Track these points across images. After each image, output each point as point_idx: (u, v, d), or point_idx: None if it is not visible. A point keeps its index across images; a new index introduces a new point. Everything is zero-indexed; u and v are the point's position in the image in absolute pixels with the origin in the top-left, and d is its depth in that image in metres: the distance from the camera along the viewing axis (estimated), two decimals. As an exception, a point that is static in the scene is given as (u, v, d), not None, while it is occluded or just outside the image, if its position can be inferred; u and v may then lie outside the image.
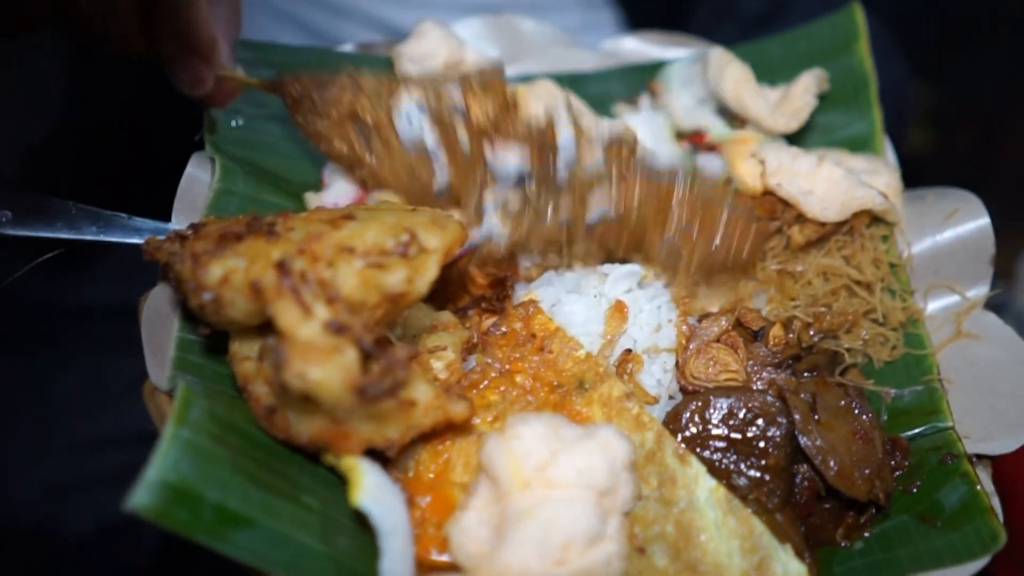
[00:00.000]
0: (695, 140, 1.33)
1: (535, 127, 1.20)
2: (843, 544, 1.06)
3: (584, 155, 1.18)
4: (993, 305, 2.38)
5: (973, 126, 3.26)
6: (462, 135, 1.20)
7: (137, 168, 1.60)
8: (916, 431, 1.14)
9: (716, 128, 1.35)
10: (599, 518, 0.93)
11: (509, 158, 1.18)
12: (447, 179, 1.21)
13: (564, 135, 1.17)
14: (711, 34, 1.57)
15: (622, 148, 1.22)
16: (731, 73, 1.32)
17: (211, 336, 1.03)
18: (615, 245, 1.19)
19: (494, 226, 1.18)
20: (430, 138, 1.20)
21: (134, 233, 1.13)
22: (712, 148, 1.30)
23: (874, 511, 1.08)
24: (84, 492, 1.59)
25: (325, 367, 0.86)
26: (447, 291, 1.23)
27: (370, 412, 0.93)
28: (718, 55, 1.36)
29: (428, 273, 0.96)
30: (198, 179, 1.19)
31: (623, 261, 1.20)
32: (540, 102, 1.34)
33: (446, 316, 1.16)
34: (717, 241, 1.16)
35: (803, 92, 1.33)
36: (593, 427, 0.97)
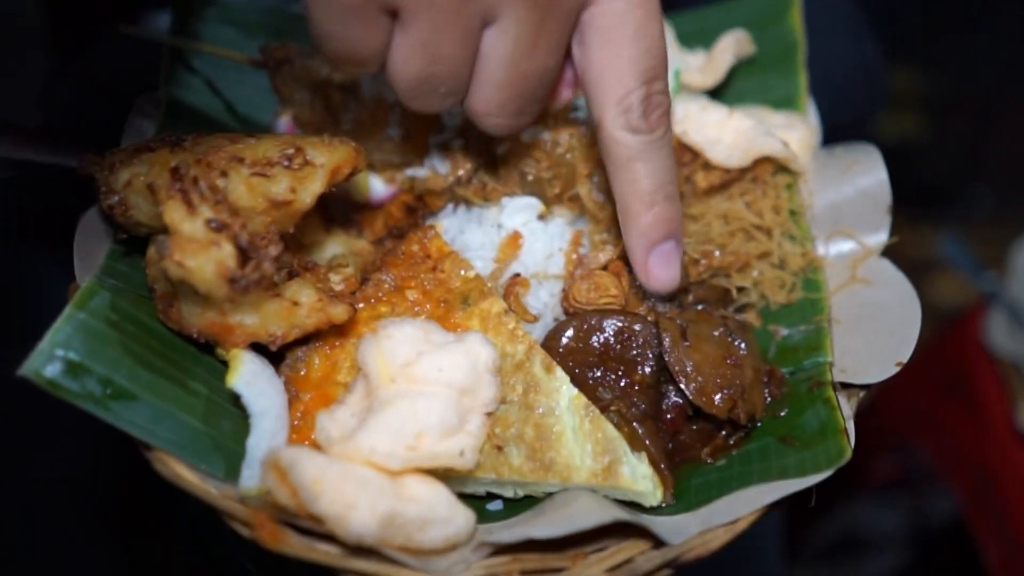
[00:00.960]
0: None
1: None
2: (708, 461, 1.12)
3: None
4: (986, 294, 2.39)
5: (969, 113, 3.26)
6: None
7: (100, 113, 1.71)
8: (799, 366, 1.19)
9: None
10: (457, 414, 1.01)
11: None
12: (400, 131, 1.31)
13: None
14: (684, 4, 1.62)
15: None
16: None
17: (127, 241, 1.13)
18: (548, 186, 1.25)
19: (436, 162, 1.27)
20: (389, 92, 1.31)
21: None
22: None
23: (743, 434, 1.14)
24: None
25: (200, 257, 0.96)
26: (370, 225, 1.33)
27: (254, 307, 1.03)
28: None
29: (313, 185, 1.05)
30: (149, 114, 1.31)
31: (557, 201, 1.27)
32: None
33: (361, 244, 1.26)
34: None
35: (722, 51, 1.39)
36: (463, 334, 1.06)
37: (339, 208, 1.32)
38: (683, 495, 1.08)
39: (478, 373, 1.03)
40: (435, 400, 1.00)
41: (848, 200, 1.28)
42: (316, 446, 1.02)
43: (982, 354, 2.44)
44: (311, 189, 1.05)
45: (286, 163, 1.04)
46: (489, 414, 1.05)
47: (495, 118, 1.00)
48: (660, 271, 1.08)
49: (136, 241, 1.15)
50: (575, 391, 1.06)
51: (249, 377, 1.02)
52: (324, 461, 0.94)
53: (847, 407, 1.10)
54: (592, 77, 0.98)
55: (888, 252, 1.26)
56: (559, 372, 1.07)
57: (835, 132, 1.45)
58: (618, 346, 1.12)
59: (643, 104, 0.97)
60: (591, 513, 0.97)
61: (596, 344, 1.12)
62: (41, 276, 1.65)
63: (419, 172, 1.27)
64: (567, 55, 1.01)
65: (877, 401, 2.72)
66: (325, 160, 1.07)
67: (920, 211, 3.72)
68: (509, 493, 1.07)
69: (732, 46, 1.39)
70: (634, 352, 1.11)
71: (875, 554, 3.21)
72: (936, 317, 3.35)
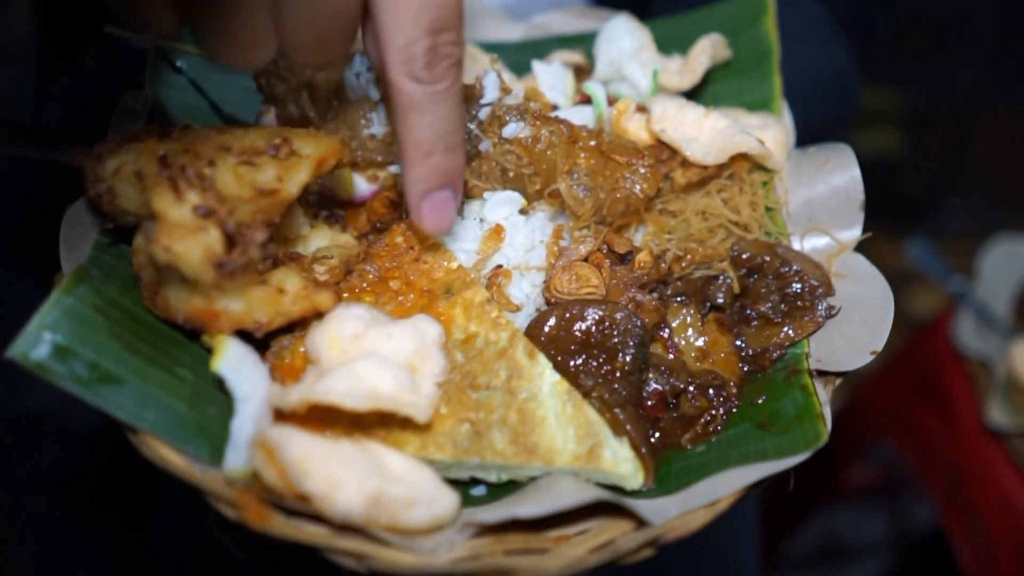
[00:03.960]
0: (583, 99, 1.43)
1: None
2: (688, 448, 1.14)
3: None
4: (954, 296, 2.45)
5: (943, 129, 3.34)
6: None
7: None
8: (777, 356, 1.21)
9: (637, 78, 1.43)
10: (409, 378, 1.03)
11: None
12: (383, 129, 1.34)
13: (489, 77, 1.28)
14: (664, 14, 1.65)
15: (538, 94, 1.35)
16: (620, 45, 1.43)
17: (113, 232, 1.15)
18: (528, 182, 1.27)
19: None
20: (373, 91, 1.33)
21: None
22: (586, 100, 1.40)
23: (720, 424, 1.16)
24: None
25: (187, 242, 0.97)
26: (354, 222, 1.34)
27: (240, 294, 1.05)
28: (613, 26, 1.46)
29: (299, 175, 1.07)
30: (133, 112, 1.32)
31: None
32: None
33: (345, 238, 1.27)
34: (623, 184, 1.25)
35: (699, 54, 1.43)
36: (411, 317, 1.09)
37: (325, 205, 1.34)
38: (664, 479, 1.09)
39: (426, 345, 1.06)
40: (387, 363, 1.02)
41: (822, 197, 1.31)
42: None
43: (952, 355, 2.50)
44: (297, 179, 1.07)
45: (273, 152, 1.06)
46: (439, 385, 1.07)
47: (297, 56, 0.97)
48: (432, 218, 1.09)
49: (122, 233, 1.16)
50: (557, 377, 1.08)
51: (234, 362, 1.03)
52: (311, 441, 0.95)
53: (823, 393, 1.13)
54: (379, 21, 0.96)
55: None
56: (541, 358, 1.09)
57: (809, 139, 1.48)
58: (599, 334, 1.14)
59: (427, 55, 0.96)
60: (574, 493, 0.98)
61: (577, 332, 1.14)
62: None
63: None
64: None
65: (853, 409, 2.77)
66: (311, 151, 1.09)
67: (897, 224, 3.80)
68: (492, 478, 1.09)
69: (708, 49, 1.43)
70: (615, 340, 1.13)
71: (857, 561, 3.24)
72: (913, 326, 3.45)
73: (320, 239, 1.26)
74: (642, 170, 1.24)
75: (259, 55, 0.96)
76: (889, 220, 3.84)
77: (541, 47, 1.60)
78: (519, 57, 1.58)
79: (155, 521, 1.87)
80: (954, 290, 2.53)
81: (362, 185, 1.34)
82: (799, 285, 1.24)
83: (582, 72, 1.48)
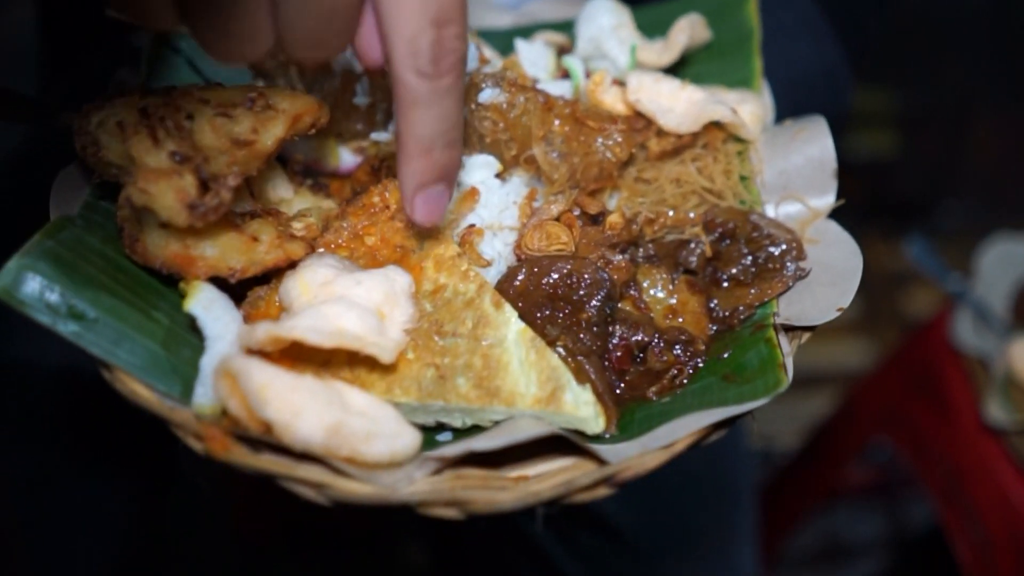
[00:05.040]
0: (563, 75, 1.46)
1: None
2: (654, 399, 1.16)
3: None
4: (953, 294, 2.45)
5: (939, 130, 3.35)
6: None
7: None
8: (746, 316, 1.23)
9: (616, 54, 1.47)
10: (376, 322, 1.05)
11: None
12: (366, 99, 1.38)
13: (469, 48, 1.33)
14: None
15: (516, 67, 1.40)
16: (599, 22, 1.47)
17: (102, 189, 1.19)
18: (504, 148, 1.31)
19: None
20: (358, 63, 1.38)
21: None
22: (566, 76, 1.44)
23: (686, 378, 1.17)
24: None
25: (162, 184, 1.02)
26: (339, 192, 1.39)
27: (215, 240, 1.09)
28: (593, 5, 1.50)
29: (274, 128, 1.12)
30: (128, 87, 1.37)
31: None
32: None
33: (328, 203, 1.31)
34: (596, 149, 1.28)
35: (678, 32, 1.46)
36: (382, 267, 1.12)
37: (311, 176, 1.38)
38: (627, 427, 1.11)
39: (395, 293, 1.09)
40: (354, 306, 1.05)
41: (796, 166, 1.33)
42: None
43: (950, 353, 2.50)
44: (273, 132, 1.11)
45: (249, 105, 1.11)
46: (407, 332, 1.09)
47: (295, 51, 0.99)
48: (425, 210, 1.08)
49: (109, 193, 1.21)
50: (522, 325, 1.11)
51: (206, 303, 1.07)
52: (274, 371, 0.98)
53: (787, 346, 1.14)
54: (383, 13, 0.96)
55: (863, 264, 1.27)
56: (507, 308, 1.12)
57: None
58: (565, 287, 1.16)
59: (433, 49, 0.96)
60: (530, 428, 1.00)
61: (545, 286, 1.17)
62: None
63: (383, 136, 1.33)
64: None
65: (851, 408, 2.76)
66: (287, 106, 1.13)
67: (894, 224, 3.82)
68: (457, 422, 1.11)
69: (687, 28, 1.46)
70: (581, 292, 1.16)
71: (856, 560, 3.21)
72: (910, 325, 3.43)
73: (303, 202, 1.30)
74: (615, 135, 1.27)
75: (255, 49, 0.97)
76: (886, 220, 3.86)
77: (528, 33, 1.64)
78: (506, 43, 1.62)
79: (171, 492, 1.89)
80: (952, 289, 2.54)
81: (347, 157, 1.39)
82: (771, 248, 1.26)
83: (564, 52, 1.52)
